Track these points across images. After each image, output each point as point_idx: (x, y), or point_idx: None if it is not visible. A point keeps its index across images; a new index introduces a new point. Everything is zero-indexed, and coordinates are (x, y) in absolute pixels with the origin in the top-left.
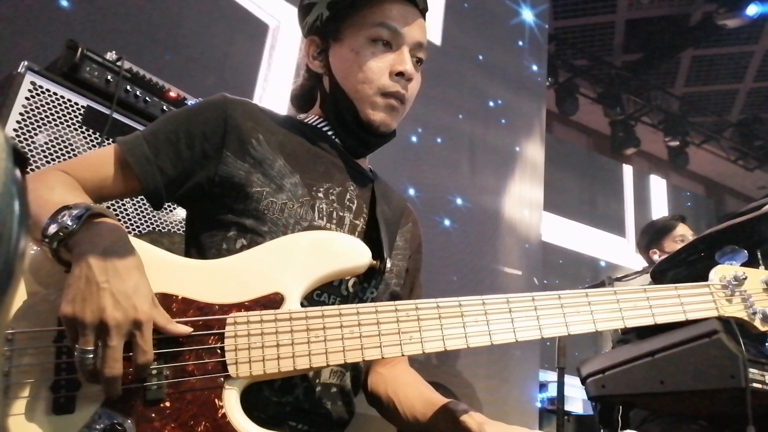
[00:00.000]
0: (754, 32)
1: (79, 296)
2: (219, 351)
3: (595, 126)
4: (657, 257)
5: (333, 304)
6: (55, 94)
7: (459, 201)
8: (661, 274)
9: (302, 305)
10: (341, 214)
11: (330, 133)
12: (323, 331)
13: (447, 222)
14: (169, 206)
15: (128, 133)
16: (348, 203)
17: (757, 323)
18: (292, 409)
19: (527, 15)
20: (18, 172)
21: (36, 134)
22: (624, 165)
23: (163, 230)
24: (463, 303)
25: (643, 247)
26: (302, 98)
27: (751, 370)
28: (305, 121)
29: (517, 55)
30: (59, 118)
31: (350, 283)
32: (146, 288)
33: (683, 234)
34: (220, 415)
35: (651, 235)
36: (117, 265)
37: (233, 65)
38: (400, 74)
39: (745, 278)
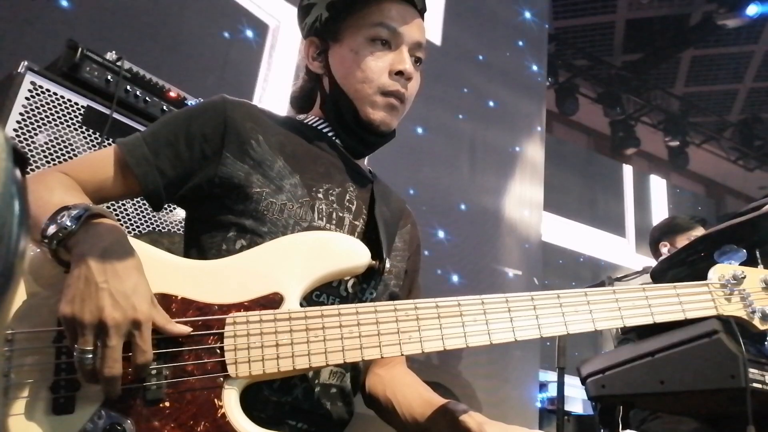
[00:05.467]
0: (754, 32)
1: (78, 296)
2: (218, 351)
3: (595, 126)
4: (666, 250)
5: (332, 304)
6: (55, 94)
7: (459, 201)
8: (660, 274)
9: (301, 306)
10: (341, 214)
11: (330, 133)
12: (322, 331)
13: (447, 222)
14: (168, 207)
15: (128, 133)
16: (347, 204)
17: (756, 322)
18: (291, 408)
19: (527, 15)
20: (18, 172)
21: (36, 134)
22: (624, 165)
23: (163, 230)
24: (462, 303)
25: (655, 238)
26: (302, 100)
27: (751, 370)
28: (305, 121)
29: (517, 55)
30: (59, 118)
31: (349, 284)
32: (145, 288)
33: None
34: (219, 414)
35: (667, 228)
36: (116, 266)
37: (233, 65)
38: (400, 73)
39: (744, 277)
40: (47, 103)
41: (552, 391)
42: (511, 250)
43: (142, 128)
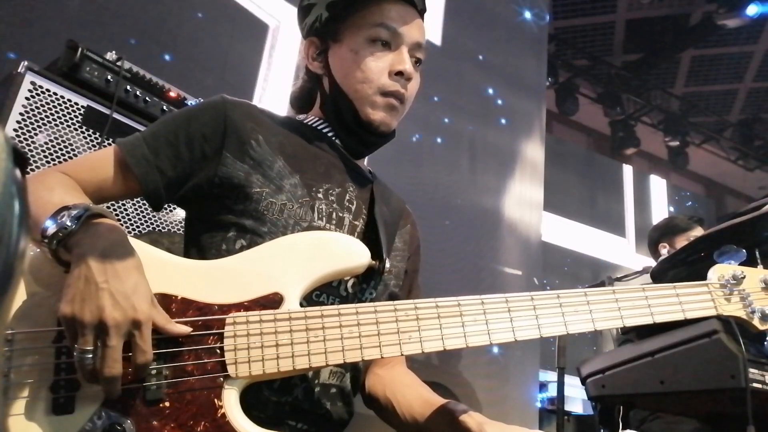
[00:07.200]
0: (754, 32)
1: (78, 296)
2: (218, 351)
3: (595, 126)
4: (665, 251)
5: (332, 304)
6: (55, 94)
7: (459, 201)
8: (661, 274)
9: (301, 306)
10: (341, 214)
11: (330, 134)
12: (322, 331)
13: (447, 222)
14: (168, 207)
15: (128, 133)
16: (347, 204)
17: (756, 322)
18: (291, 408)
19: (527, 15)
20: (18, 172)
21: (36, 134)
22: (624, 165)
23: (163, 230)
24: (462, 303)
25: (654, 239)
26: (302, 100)
27: (751, 370)
28: (305, 121)
29: (517, 55)
30: (59, 118)
31: (349, 284)
32: (145, 288)
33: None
34: (219, 415)
35: (666, 229)
36: (116, 266)
37: (233, 65)
38: (400, 74)
39: (744, 277)
40: (47, 103)
41: (552, 391)
42: (511, 250)
43: (142, 128)
